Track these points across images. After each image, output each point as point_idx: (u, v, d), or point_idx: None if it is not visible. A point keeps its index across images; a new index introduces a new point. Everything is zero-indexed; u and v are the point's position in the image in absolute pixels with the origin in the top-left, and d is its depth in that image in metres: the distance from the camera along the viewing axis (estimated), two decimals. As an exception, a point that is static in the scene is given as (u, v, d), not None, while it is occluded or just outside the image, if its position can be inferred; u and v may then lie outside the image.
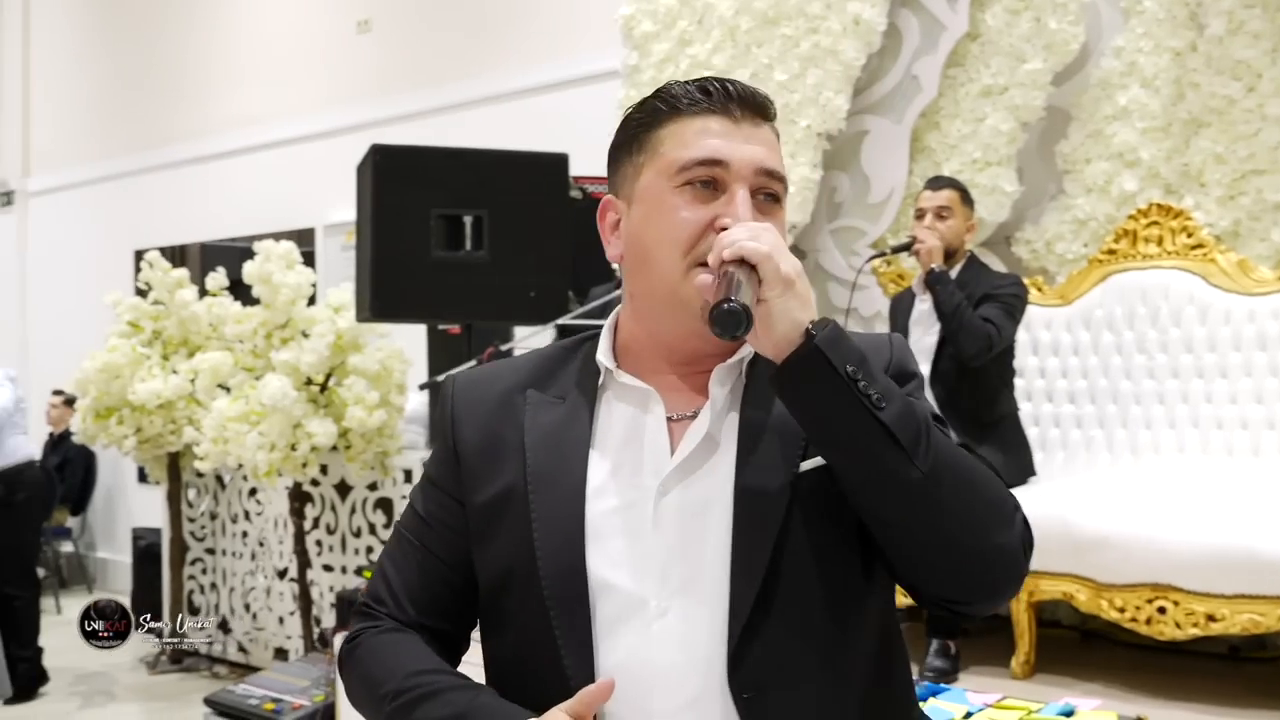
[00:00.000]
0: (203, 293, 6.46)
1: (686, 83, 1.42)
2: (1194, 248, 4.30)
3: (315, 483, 5.80)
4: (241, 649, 6.37)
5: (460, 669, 1.46)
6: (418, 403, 5.83)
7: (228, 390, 5.79)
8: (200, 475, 6.47)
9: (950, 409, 3.97)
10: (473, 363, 3.91)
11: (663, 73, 5.35)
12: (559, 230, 4.47)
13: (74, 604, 8.56)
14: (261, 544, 6.31)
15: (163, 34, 9.31)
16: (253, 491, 6.35)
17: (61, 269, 9.93)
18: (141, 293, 6.60)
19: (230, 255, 7.00)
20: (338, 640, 2.78)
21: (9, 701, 5.72)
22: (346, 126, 7.48)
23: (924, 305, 4.09)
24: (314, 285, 5.78)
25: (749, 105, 1.40)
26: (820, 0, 4.91)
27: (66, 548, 9.39)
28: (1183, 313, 4.25)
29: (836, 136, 5.01)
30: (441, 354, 5.59)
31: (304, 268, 5.73)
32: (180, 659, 6.52)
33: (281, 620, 6.13)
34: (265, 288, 5.58)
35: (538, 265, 4.41)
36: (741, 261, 1.26)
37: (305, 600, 5.71)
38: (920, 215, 4.12)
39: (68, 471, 9.09)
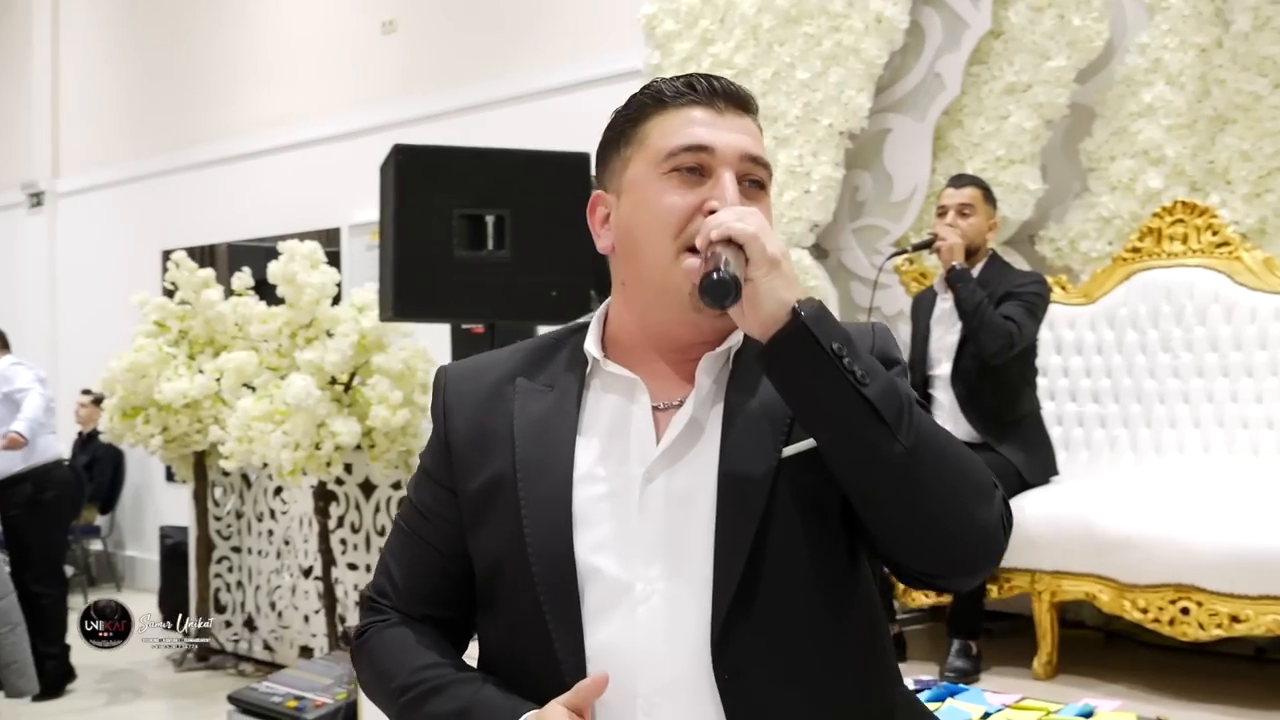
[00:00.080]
0: (229, 292, 6.49)
1: (671, 79, 1.46)
2: (1219, 245, 4.26)
3: (340, 482, 5.83)
4: (267, 647, 6.40)
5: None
6: (442, 402, 5.83)
7: (253, 390, 5.82)
8: (226, 474, 6.51)
9: (971, 407, 3.96)
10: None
11: (685, 72, 5.34)
12: (581, 230, 4.46)
13: (103, 602, 8.63)
14: (287, 543, 6.34)
15: (190, 35, 9.36)
16: (278, 490, 6.37)
17: (90, 269, 9.99)
18: (169, 293, 6.64)
19: (257, 255, 7.02)
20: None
21: (37, 698, 5.75)
22: (371, 127, 7.50)
23: (945, 304, 4.07)
24: (338, 285, 5.81)
25: (732, 99, 1.44)
26: (842, -2, 4.91)
27: (95, 546, 9.46)
28: (1208, 311, 4.21)
29: (859, 135, 5.00)
30: (465, 353, 5.60)
31: (328, 267, 5.76)
32: (206, 657, 6.55)
33: (306, 619, 6.16)
34: (290, 287, 5.61)
35: (560, 265, 4.40)
36: (729, 242, 1.30)
37: (330, 599, 5.74)
38: (942, 212, 4.10)
39: (96, 470, 9.15)
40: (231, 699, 4.61)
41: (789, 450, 1.36)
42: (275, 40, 8.74)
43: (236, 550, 6.68)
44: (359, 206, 7.46)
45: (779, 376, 1.31)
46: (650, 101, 1.44)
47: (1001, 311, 3.86)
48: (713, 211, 1.36)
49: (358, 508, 5.81)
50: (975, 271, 4.02)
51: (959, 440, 1.38)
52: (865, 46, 4.85)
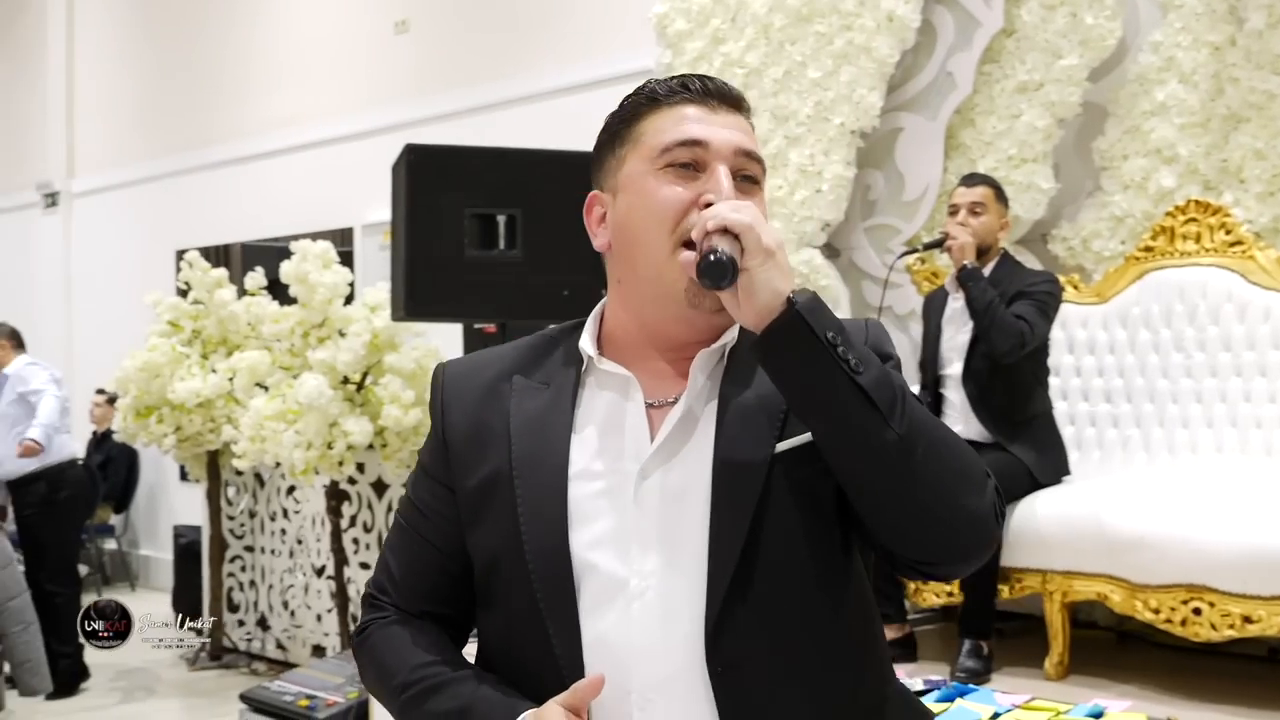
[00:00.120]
0: (242, 292, 6.51)
1: (665, 79, 1.47)
2: (1232, 244, 4.24)
3: (352, 481, 5.84)
4: (280, 646, 6.42)
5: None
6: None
7: (265, 389, 5.83)
8: (239, 474, 6.52)
9: (983, 407, 3.95)
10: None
11: (695, 71, 5.34)
12: (592, 229, 4.46)
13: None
14: (299, 542, 6.35)
15: (204, 36, 9.39)
16: (291, 490, 6.39)
17: (105, 269, 10.03)
18: (182, 292, 6.66)
19: (271, 255, 7.04)
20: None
21: (50, 696, 5.79)
22: (384, 126, 7.51)
23: (957, 303, 4.06)
24: (351, 285, 5.82)
25: (725, 97, 1.46)
26: (854, -3, 4.90)
27: (110, 545, 9.50)
28: (1221, 310, 4.19)
29: (870, 134, 4.99)
30: (477, 353, 5.60)
31: (340, 267, 5.77)
32: (220, 655, 6.57)
33: (319, 618, 6.17)
34: (302, 287, 5.63)
35: (571, 264, 4.39)
36: (725, 232, 1.31)
37: (342, 598, 5.75)
38: (954, 211, 4.10)
39: (111, 470, 9.19)
40: (243, 698, 4.62)
41: (783, 445, 1.37)
42: (288, 40, 8.76)
43: (250, 549, 6.70)
44: (372, 206, 7.47)
45: (774, 366, 1.33)
46: (644, 101, 1.46)
47: (1013, 311, 3.85)
48: (709, 205, 1.37)
49: (370, 507, 5.82)
50: (987, 271, 4.01)
51: (951, 430, 1.40)
52: (877, 45, 4.84)
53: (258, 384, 5.92)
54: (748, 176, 1.44)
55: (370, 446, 5.42)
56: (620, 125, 1.48)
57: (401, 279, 4.44)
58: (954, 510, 1.33)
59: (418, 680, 1.44)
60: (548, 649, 1.36)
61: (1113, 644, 4.13)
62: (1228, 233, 4.25)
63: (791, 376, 1.32)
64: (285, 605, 6.41)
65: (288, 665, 6.03)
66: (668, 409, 1.42)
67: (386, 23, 7.95)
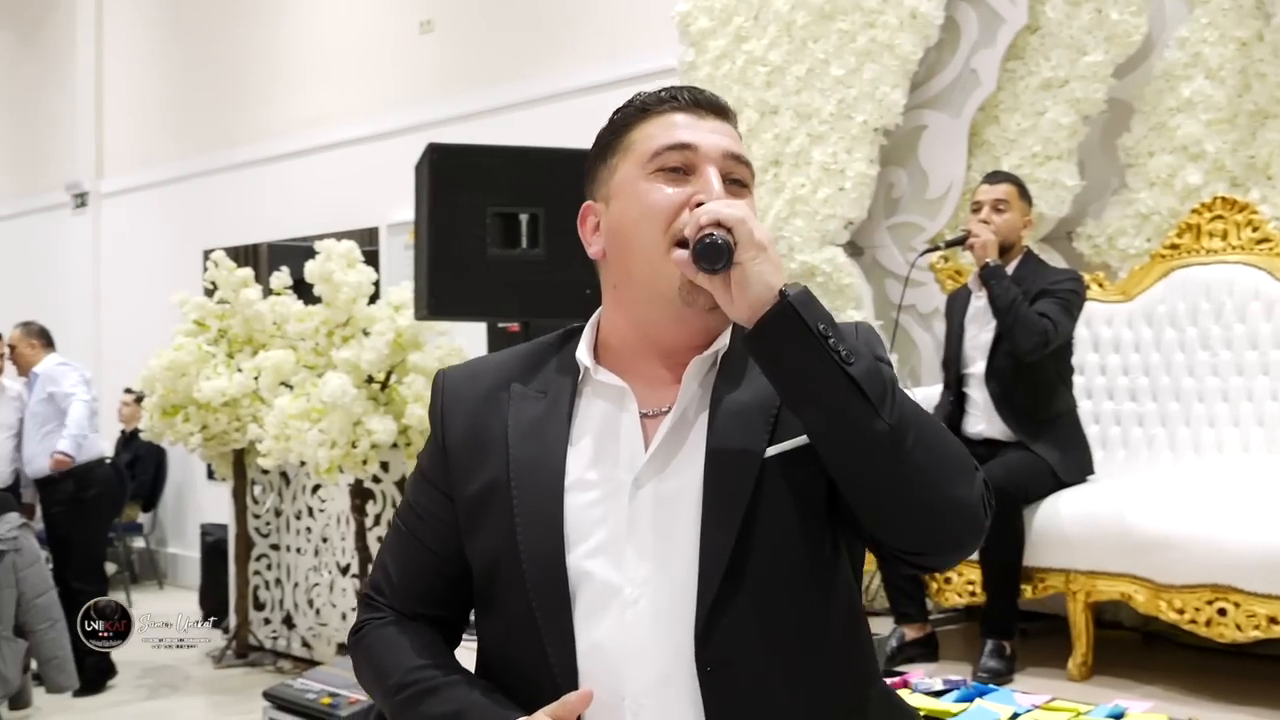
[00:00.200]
0: (268, 292, 6.54)
1: (652, 91, 1.52)
2: (1259, 242, 4.20)
3: (376, 480, 5.85)
4: (305, 644, 6.44)
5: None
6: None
7: (290, 388, 5.85)
8: (265, 472, 6.55)
9: (1005, 405, 3.93)
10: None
11: (719, 69, 5.34)
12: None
13: (145, 599, 8.73)
14: (325, 540, 6.37)
15: (231, 36, 9.44)
16: (316, 488, 6.41)
17: (133, 269, 10.10)
18: (209, 292, 6.69)
19: (297, 255, 7.05)
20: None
21: (78, 693, 5.82)
22: (410, 126, 7.54)
23: (980, 302, 4.04)
24: (375, 284, 5.83)
25: (711, 106, 1.50)
26: (877, -6, 4.88)
27: (138, 543, 9.57)
28: (1247, 308, 4.16)
29: (894, 132, 4.97)
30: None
31: (365, 266, 5.79)
32: (245, 653, 6.60)
33: (344, 616, 6.18)
34: (326, 286, 5.65)
35: (593, 263, 4.40)
36: (718, 226, 1.34)
37: (366, 596, 5.75)
38: (976, 208, 4.08)
39: (139, 468, 9.25)
40: (267, 695, 4.63)
41: (772, 450, 1.40)
42: (314, 41, 8.80)
43: (275, 548, 6.72)
44: (397, 206, 7.50)
45: (766, 358, 1.35)
46: (634, 112, 1.50)
47: (1036, 309, 3.82)
48: (700, 205, 1.40)
49: (394, 506, 5.82)
50: (1010, 269, 3.99)
51: (940, 423, 1.42)
52: (900, 42, 4.82)
53: (282, 383, 5.95)
54: (736, 180, 1.47)
55: (394, 445, 5.43)
56: (611, 137, 1.52)
57: (424, 278, 4.45)
58: (944, 500, 1.35)
59: (412, 682, 1.47)
60: (542, 655, 1.39)
61: (1138, 645, 4.10)
62: (1254, 230, 4.22)
63: (783, 367, 1.34)
64: (310, 603, 6.43)
65: (312, 663, 6.04)
66: (661, 418, 1.45)
67: (411, 22, 7.98)
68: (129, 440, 9.18)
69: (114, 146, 10.60)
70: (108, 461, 6.92)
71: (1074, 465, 3.88)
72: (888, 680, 3.19)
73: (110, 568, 7.94)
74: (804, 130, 5.08)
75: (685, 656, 1.36)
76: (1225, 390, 4.15)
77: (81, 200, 10.62)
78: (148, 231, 10.08)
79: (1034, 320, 3.79)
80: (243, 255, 7.93)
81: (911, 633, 3.95)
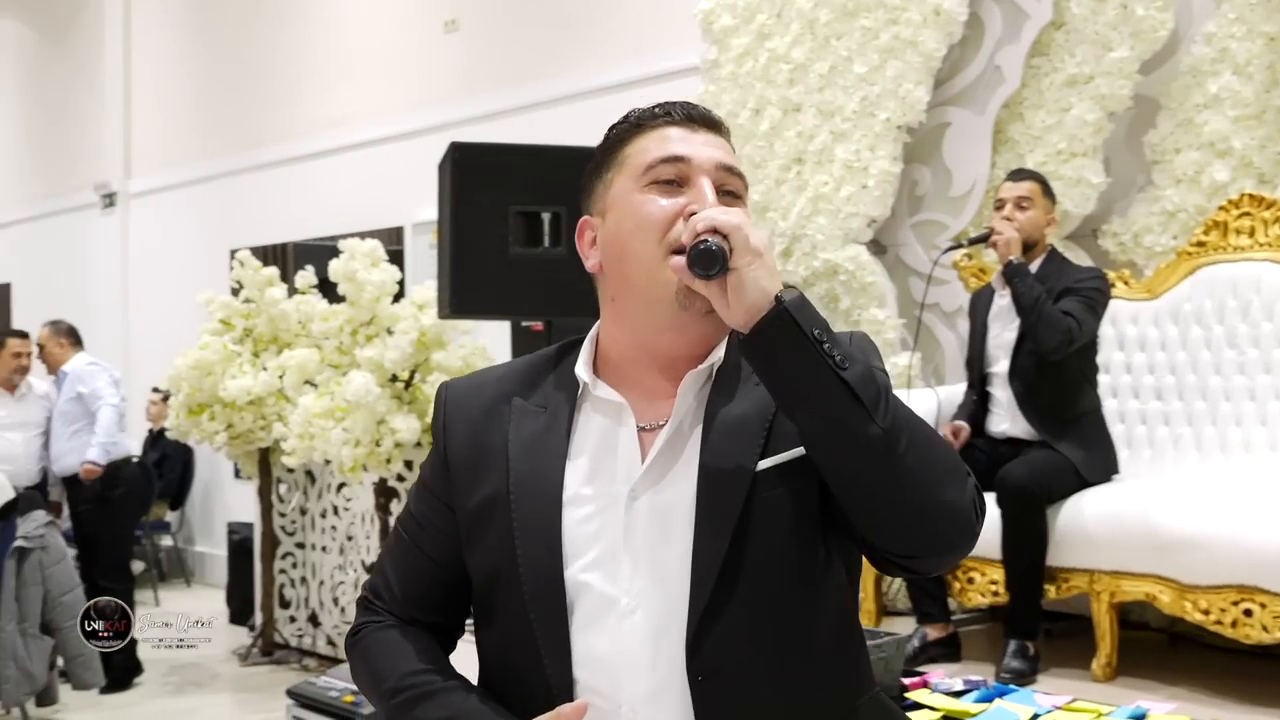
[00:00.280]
0: (293, 291, 6.56)
1: (646, 108, 1.54)
2: (1287, 239, 4.17)
3: (401, 478, 5.86)
4: (330, 642, 6.46)
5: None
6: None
7: (315, 387, 5.87)
8: (290, 471, 6.57)
9: (1029, 404, 3.91)
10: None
11: (741, 67, 5.33)
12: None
13: (173, 597, 8.79)
14: (350, 539, 6.39)
15: (258, 37, 9.48)
16: (340, 487, 6.42)
17: (161, 268, 10.16)
18: (235, 291, 6.72)
19: (324, 254, 7.07)
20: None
21: (103, 691, 5.86)
22: (434, 125, 7.55)
23: (1003, 300, 4.02)
24: (400, 283, 5.84)
25: (704, 120, 1.52)
26: (900, -9, 4.86)
27: (166, 541, 9.62)
28: (1275, 306, 4.11)
29: (917, 129, 4.95)
30: (525, 350, 5.59)
31: (389, 265, 5.79)
32: (271, 651, 6.62)
33: (369, 614, 6.18)
34: (350, 285, 5.66)
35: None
36: (714, 232, 1.36)
37: (390, 595, 5.76)
38: (999, 206, 4.06)
39: (166, 467, 9.30)
40: (291, 693, 4.63)
41: (764, 463, 1.42)
42: (340, 41, 8.82)
43: (300, 546, 6.74)
44: (422, 205, 7.49)
45: (761, 363, 1.36)
46: (628, 127, 1.53)
47: (1060, 307, 3.80)
48: (694, 215, 1.41)
49: (418, 504, 5.82)
50: (1034, 267, 3.96)
51: (933, 428, 1.43)
52: (923, 39, 4.80)
53: (307, 382, 5.96)
54: (729, 191, 1.49)
55: (418, 444, 5.43)
56: (605, 152, 1.54)
57: (447, 276, 4.46)
58: (936, 503, 1.36)
59: (409, 686, 1.50)
60: (539, 666, 1.42)
61: (1164, 646, 4.07)
62: (1282, 227, 4.18)
63: (778, 372, 1.35)
64: (335, 602, 6.45)
65: (337, 661, 6.05)
66: (658, 432, 1.47)
67: (436, 22, 7.99)
68: (157, 439, 9.22)
69: (142, 147, 10.67)
70: (135, 460, 6.96)
71: (1098, 464, 3.86)
72: (906, 680, 3.18)
73: (138, 566, 7.99)
74: (827, 128, 5.06)
75: (678, 666, 1.38)
76: (1252, 389, 4.11)
77: (110, 200, 10.69)
78: (175, 231, 10.14)
79: (1058, 318, 3.76)
80: (269, 255, 7.97)
81: (934, 633, 3.93)
